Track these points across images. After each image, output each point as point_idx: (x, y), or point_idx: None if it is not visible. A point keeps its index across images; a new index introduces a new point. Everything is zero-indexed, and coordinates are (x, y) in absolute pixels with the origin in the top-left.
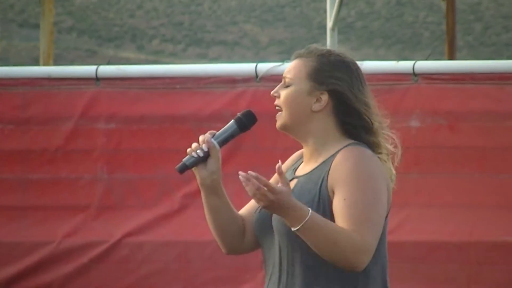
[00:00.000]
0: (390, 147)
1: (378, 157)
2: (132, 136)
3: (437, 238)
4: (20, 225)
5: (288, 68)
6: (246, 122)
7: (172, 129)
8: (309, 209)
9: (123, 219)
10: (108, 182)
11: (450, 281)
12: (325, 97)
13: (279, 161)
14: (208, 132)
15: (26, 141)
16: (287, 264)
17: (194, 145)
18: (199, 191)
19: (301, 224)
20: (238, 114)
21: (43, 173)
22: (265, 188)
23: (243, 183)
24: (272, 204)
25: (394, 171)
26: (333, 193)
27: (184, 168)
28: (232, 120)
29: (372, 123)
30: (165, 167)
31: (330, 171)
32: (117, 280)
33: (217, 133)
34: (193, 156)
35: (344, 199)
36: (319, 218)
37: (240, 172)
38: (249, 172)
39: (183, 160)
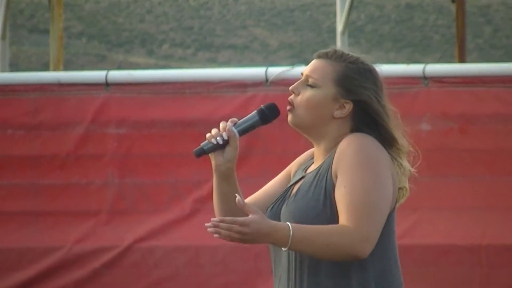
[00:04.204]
0: (407, 164)
1: (395, 159)
2: (143, 141)
3: (448, 242)
4: (31, 231)
5: (313, 67)
6: (269, 114)
7: (183, 134)
8: (288, 224)
9: (134, 224)
10: (119, 187)
11: (461, 285)
12: (349, 106)
13: (237, 195)
14: (230, 120)
15: (36, 146)
16: (295, 263)
17: (214, 131)
18: (210, 196)
19: (289, 242)
20: (261, 106)
21: (54, 179)
22: (236, 225)
23: (215, 234)
24: (251, 235)
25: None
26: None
27: (202, 153)
28: (255, 111)
29: (394, 137)
30: (176, 171)
31: (334, 160)
32: (129, 285)
33: (239, 121)
34: (212, 142)
35: (344, 186)
36: (303, 228)
37: (206, 224)
38: (211, 219)
39: (201, 144)
